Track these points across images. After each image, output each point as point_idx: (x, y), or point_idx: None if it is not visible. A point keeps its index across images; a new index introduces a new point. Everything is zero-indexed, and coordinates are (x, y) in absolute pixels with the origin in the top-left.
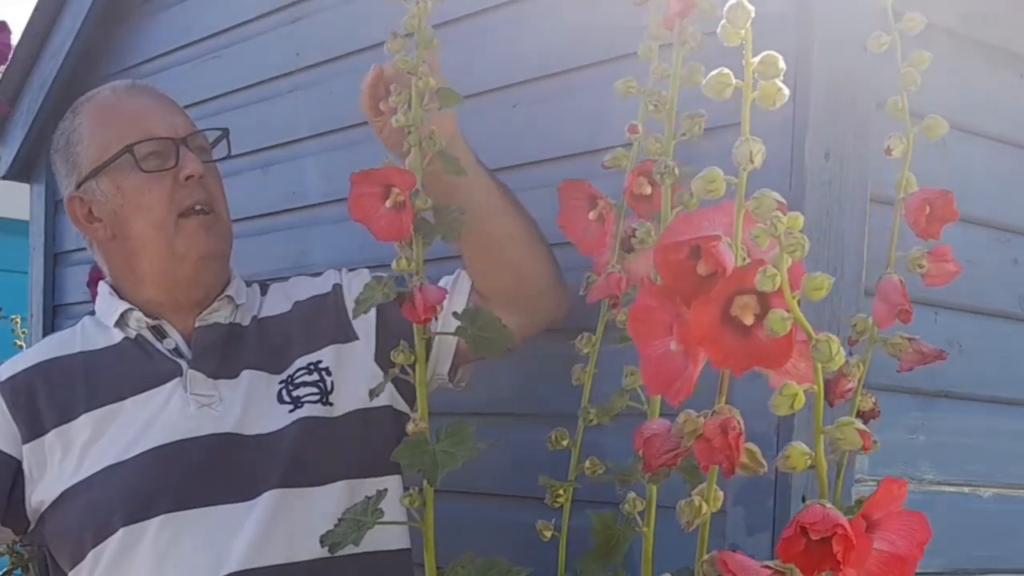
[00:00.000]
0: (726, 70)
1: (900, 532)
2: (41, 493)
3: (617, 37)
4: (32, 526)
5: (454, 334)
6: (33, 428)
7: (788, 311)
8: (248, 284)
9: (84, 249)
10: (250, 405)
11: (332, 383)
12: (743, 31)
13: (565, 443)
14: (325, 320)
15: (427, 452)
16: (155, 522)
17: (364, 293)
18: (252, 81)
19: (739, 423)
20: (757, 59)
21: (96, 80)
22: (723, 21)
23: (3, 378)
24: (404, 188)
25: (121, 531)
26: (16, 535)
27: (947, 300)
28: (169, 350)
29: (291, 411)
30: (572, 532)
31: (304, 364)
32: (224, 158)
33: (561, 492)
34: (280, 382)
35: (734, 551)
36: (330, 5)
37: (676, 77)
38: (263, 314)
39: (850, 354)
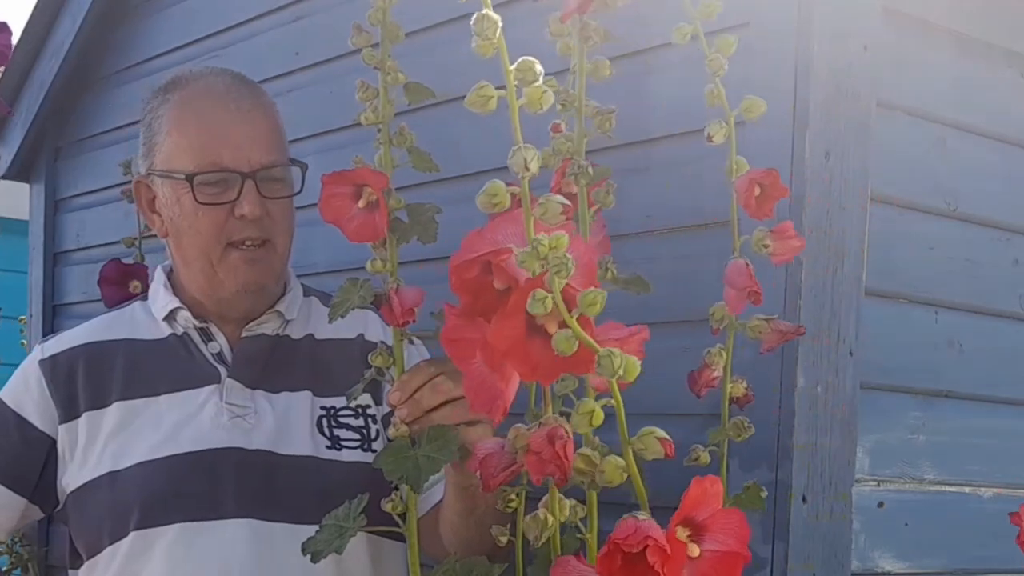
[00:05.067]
0: (486, 82)
1: (726, 531)
2: (69, 477)
3: (622, 32)
4: (60, 507)
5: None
6: (69, 409)
7: (570, 329)
8: (307, 294)
9: (84, 249)
10: (286, 423)
11: (376, 431)
12: (495, 40)
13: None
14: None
15: (409, 458)
16: (171, 529)
17: (339, 296)
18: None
19: (567, 431)
20: (514, 66)
21: (95, 81)
22: (474, 37)
23: (47, 355)
24: (377, 188)
25: (133, 534)
26: (44, 513)
27: (948, 300)
28: (213, 354)
29: (328, 447)
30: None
31: (353, 404)
32: (294, 195)
33: (514, 497)
34: (323, 407)
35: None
36: (330, 4)
37: (581, 73)
38: (321, 331)
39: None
